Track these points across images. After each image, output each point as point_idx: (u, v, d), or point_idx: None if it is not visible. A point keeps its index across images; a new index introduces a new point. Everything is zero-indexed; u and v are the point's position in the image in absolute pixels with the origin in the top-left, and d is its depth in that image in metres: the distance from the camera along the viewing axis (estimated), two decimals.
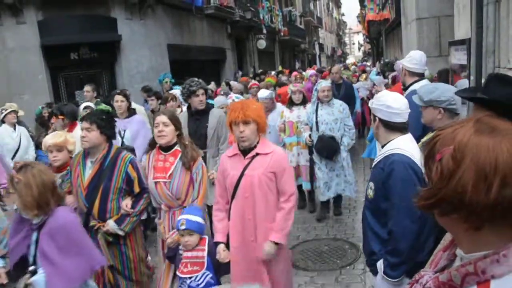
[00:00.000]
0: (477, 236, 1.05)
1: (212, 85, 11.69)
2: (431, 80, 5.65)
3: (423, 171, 1.18)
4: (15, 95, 11.03)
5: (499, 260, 1.02)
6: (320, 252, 5.57)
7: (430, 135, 3.11)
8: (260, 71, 19.70)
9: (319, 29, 53.96)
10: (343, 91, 9.06)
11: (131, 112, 6.15)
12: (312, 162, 6.54)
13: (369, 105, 2.85)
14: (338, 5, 75.59)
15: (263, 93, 7.26)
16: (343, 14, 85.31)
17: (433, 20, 9.04)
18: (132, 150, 5.00)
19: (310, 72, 12.90)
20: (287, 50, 35.72)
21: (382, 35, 25.73)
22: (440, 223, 1.14)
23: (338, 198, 6.65)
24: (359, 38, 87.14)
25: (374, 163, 2.83)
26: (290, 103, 6.81)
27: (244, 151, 3.42)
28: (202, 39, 17.93)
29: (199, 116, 5.18)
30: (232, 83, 11.86)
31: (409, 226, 2.50)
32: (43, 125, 7.86)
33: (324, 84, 6.41)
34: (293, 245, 5.77)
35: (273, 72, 17.35)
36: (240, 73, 18.48)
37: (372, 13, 23.87)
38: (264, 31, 25.22)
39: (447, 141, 1.06)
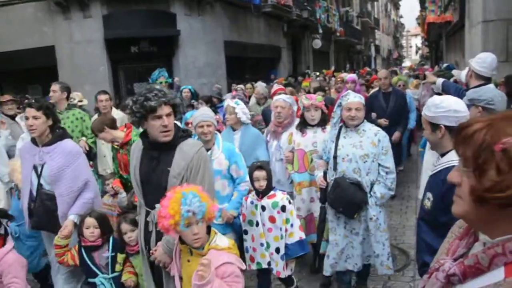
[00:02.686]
0: None
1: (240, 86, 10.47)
2: (497, 86, 5.41)
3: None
4: (78, 85, 11.57)
5: None
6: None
7: None
8: (308, 71, 19.32)
9: (376, 30, 52.95)
10: (393, 103, 7.14)
11: (56, 135, 3.76)
12: (323, 214, 4.30)
13: (426, 113, 2.62)
14: (396, 6, 73.80)
15: (278, 97, 5.24)
16: (401, 16, 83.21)
17: (500, 23, 8.62)
18: (52, 199, 3.65)
19: (348, 76, 8.94)
20: (342, 50, 35.30)
21: (443, 38, 24.89)
22: (470, 213, 1.14)
23: (364, 269, 4.30)
24: (417, 41, 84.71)
25: (432, 172, 2.68)
26: (302, 123, 4.70)
27: None
28: (258, 37, 18.07)
29: (158, 152, 2.98)
30: (259, 84, 9.67)
31: None
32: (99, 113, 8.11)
33: (353, 98, 4.00)
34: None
35: (317, 73, 16.16)
36: (274, 74, 17.51)
37: (433, 15, 23.08)
38: (320, 30, 25.05)
39: (505, 132, 1.06)
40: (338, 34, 30.42)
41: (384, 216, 4.10)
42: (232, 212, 4.03)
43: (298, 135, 4.69)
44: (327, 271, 4.25)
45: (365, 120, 4.11)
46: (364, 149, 3.93)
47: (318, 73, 16.82)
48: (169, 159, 2.93)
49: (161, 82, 7.12)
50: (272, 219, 3.84)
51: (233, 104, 4.84)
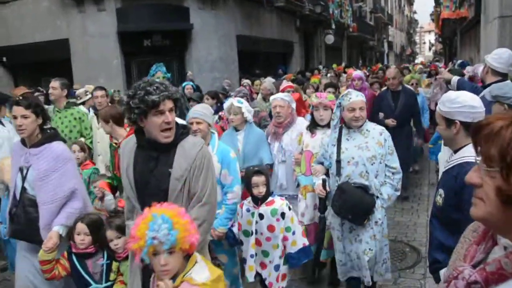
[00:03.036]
0: None
1: (246, 82, 9.96)
2: None
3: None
4: (92, 78, 11.67)
5: None
6: None
7: None
8: (320, 66, 19.02)
9: (389, 26, 52.49)
10: (402, 102, 6.70)
11: (46, 136, 3.40)
12: (323, 224, 4.00)
13: (441, 108, 2.59)
14: (410, 2, 73.06)
15: (275, 96, 4.93)
16: (415, 12, 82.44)
17: None
18: (35, 205, 3.31)
19: (354, 73, 8.38)
20: (355, 46, 35.06)
21: (457, 35, 24.61)
22: (494, 215, 1.09)
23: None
24: (430, 37, 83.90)
25: (445, 168, 2.65)
26: (312, 124, 4.43)
27: None
28: (270, 32, 18.03)
29: (157, 153, 2.68)
30: (268, 79, 9.06)
31: None
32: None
33: (355, 97, 3.69)
34: None
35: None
36: (282, 70, 16.60)
37: (447, 11, 22.80)
38: (333, 26, 24.90)
39: None
40: (351, 29, 30.22)
41: (385, 221, 3.83)
42: (221, 229, 3.70)
43: (307, 136, 4.41)
44: (342, 276, 4.00)
45: (367, 120, 3.82)
46: (371, 150, 3.66)
47: (328, 69, 16.56)
48: (169, 160, 2.66)
49: (158, 77, 6.37)
50: (271, 228, 3.53)
51: (238, 103, 4.54)
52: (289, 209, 3.58)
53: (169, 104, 2.56)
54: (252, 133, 4.62)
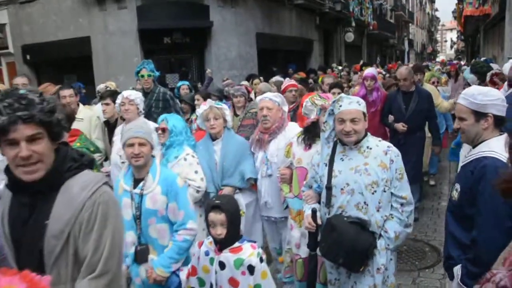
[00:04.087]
0: None
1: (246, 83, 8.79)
2: None
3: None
4: (112, 76, 11.81)
5: None
6: (398, 252, 5.39)
7: None
8: (334, 64, 18.63)
9: (410, 24, 51.84)
10: (414, 104, 5.86)
11: None
12: (313, 264, 3.24)
13: (473, 101, 2.46)
14: None
15: (263, 95, 4.03)
16: (436, 9, 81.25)
17: None
18: None
19: (366, 71, 7.03)
20: (375, 44, 34.71)
21: (480, 32, 24.22)
22: None
23: None
24: (452, 35, 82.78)
25: (463, 163, 2.64)
26: (309, 132, 3.52)
27: None
28: (290, 30, 18.00)
29: (31, 198, 1.84)
30: (276, 79, 8.41)
31: (496, 237, 2.26)
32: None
33: (347, 105, 2.86)
34: None
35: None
36: (292, 69, 15.49)
37: (470, 8, 22.48)
38: (353, 24, 24.71)
39: None
40: (371, 27, 29.92)
41: (394, 265, 3.03)
42: (160, 271, 2.93)
43: (299, 148, 3.51)
44: None
45: (368, 133, 3.00)
46: (372, 175, 2.84)
47: (340, 67, 16.18)
48: (48, 208, 1.80)
49: (142, 76, 5.71)
50: (233, 283, 2.69)
51: (218, 104, 3.90)
52: (261, 261, 2.70)
53: (27, 130, 1.68)
54: (232, 142, 3.92)
